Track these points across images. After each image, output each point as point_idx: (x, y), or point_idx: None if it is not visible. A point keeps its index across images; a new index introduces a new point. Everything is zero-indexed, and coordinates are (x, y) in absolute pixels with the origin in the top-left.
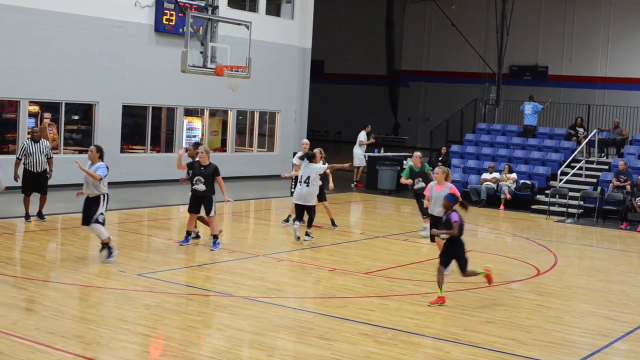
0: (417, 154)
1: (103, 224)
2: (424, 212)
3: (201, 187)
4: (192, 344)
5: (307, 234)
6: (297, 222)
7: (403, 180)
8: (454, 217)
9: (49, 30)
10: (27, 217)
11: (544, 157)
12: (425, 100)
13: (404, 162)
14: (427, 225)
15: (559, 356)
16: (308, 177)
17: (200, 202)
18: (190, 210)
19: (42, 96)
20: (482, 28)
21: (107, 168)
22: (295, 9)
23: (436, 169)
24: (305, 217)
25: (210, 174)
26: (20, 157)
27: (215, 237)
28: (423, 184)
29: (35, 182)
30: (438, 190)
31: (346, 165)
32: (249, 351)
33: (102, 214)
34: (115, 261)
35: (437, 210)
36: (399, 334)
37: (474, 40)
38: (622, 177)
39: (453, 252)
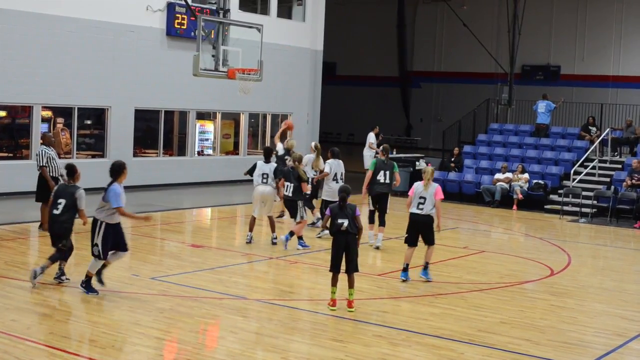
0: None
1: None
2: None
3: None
4: (205, 347)
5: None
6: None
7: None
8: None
9: (61, 36)
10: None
11: (556, 157)
12: (438, 101)
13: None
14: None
15: (574, 356)
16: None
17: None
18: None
19: (54, 101)
20: (494, 28)
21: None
22: (307, 11)
23: None
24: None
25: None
26: (46, 165)
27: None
28: None
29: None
30: None
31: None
32: (262, 354)
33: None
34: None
35: None
36: (412, 335)
37: (486, 40)
38: (636, 176)
39: None
